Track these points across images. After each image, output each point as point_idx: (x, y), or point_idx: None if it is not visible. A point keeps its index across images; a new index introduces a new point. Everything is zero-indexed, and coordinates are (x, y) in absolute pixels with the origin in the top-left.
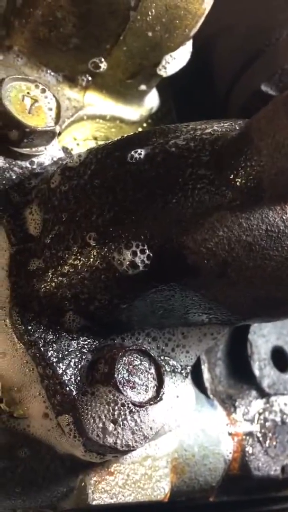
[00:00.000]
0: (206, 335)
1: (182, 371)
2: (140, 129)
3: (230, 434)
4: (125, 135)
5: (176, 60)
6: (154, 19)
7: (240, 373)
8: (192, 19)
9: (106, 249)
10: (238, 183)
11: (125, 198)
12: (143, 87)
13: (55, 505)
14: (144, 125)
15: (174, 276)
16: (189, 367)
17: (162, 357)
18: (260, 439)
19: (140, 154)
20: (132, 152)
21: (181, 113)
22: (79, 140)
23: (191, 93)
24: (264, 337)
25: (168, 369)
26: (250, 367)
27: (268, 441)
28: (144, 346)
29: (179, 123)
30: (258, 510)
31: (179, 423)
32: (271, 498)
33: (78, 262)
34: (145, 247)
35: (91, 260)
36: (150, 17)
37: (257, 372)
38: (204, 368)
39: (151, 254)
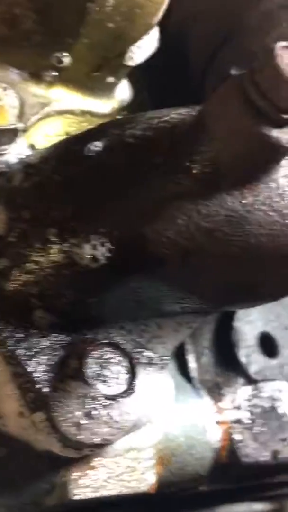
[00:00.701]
0: (181, 324)
1: (159, 362)
2: None
3: (217, 422)
4: (80, 131)
5: (141, 49)
6: (114, 10)
7: (227, 361)
8: (153, 7)
9: (67, 245)
10: (194, 170)
11: (84, 192)
12: (110, 79)
13: (38, 502)
14: (118, 116)
15: (137, 267)
16: (166, 358)
17: (137, 349)
18: (249, 425)
19: (97, 146)
20: (89, 145)
21: (157, 103)
22: (52, 136)
23: (166, 81)
24: (251, 324)
25: (144, 361)
26: (236, 355)
27: (256, 427)
28: (118, 339)
29: (139, 113)
30: (252, 497)
31: (157, 414)
32: (264, 484)
33: (41, 258)
34: (105, 240)
35: (53, 256)
36: (109, 7)
37: (243, 359)
38: (190, 357)
39: (111, 247)
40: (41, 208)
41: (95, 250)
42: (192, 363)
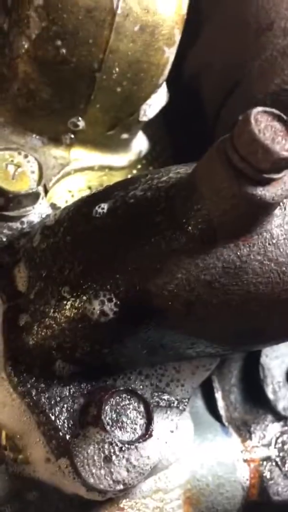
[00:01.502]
0: (198, 367)
1: (179, 405)
2: (132, 173)
3: (245, 460)
4: (91, 192)
5: (152, 106)
6: (120, 76)
7: (255, 398)
8: (157, 69)
9: (78, 301)
10: (190, 228)
11: (92, 252)
12: (125, 135)
13: None
14: (139, 166)
15: (143, 319)
16: (185, 400)
17: (156, 393)
18: (278, 463)
19: (103, 208)
20: (96, 207)
21: (179, 148)
22: (74, 191)
23: (185, 127)
24: (278, 359)
25: (163, 404)
26: (264, 391)
27: (287, 465)
28: (137, 384)
29: (144, 173)
30: None
31: (178, 456)
32: None
33: (57, 314)
34: (112, 296)
35: (67, 312)
36: (115, 74)
37: (271, 396)
38: (218, 396)
39: (118, 302)
40: (55, 267)
41: (103, 305)
42: (220, 401)
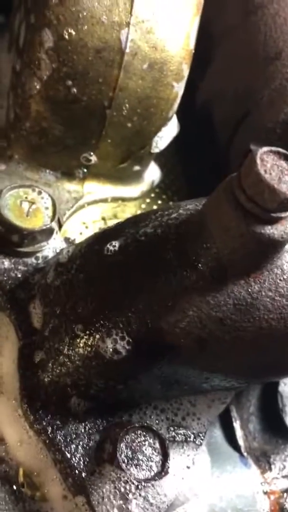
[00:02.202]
0: (214, 401)
1: (195, 439)
2: (146, 202)
3: (265, 492)
4: (103, 228)
5: (163, 138)
6: (130, 112)
7: (275, 427)
8: (167, 104)
9: (91, 339)
10: (200, 265)
11: (104, 289)
12: (137, 167)
13: None
14: (152, 195)
15: (156, 356)
16: (202, 434)
17: (172, 428)
18: None
19: (114, 246)
20: (108, 245)
21: (191, 175)
22: (88, 223)
23: (198, 153)
24: None
25: (180, 439)
26: (284, 420)
27: None
28: (152, 419)
29: (154, 209)
30: None
31: (195, 491)
32: None
33: (71, 352)
34: (124, 334)
35: (81, 349)
36: (126, 111)
37: None
38: (237, 425)
39: (130, 340)
40: (69, 305)
41: (116, 344)
42: (238, 431)
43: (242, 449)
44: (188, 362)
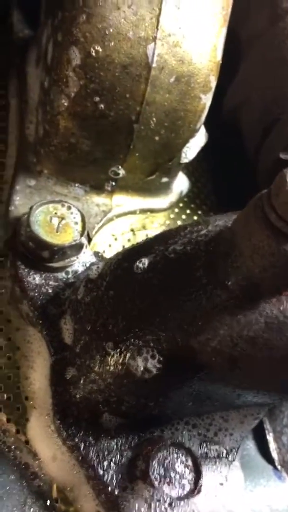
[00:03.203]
0: (246, 416)
1: (228, 455)
2: (175, 212)
3: None
4: (132, 245)
5: (192, 148)
6: (157, 125)
7: None
8: (194, 116)
9: (122, 357)
10: (230, 284)
11: (134, 307)
12: (165, 179)
13: None
14: (181, 205)
15: (187, 375)
16: (235, 450)
17: (205, 443)
18: None
19: (144, 263)
20: (137, 262)
21: (219, 183)
22: (117, 235)
23: (226, 159)
24: None
25: (212, 455)
26: None
27: None
28: (184, 434)
29: (183, 225)
30: None
31: (228, 508)
32: None
33: (102, 370)
34: (155, 352)
35: (112, 367)
36: (153, 124)
37: None
38: (270, 438)
39: (161, 358)
40: (99, 322)
41: (147, 362)
42: (272, 443)
43: (276, 462)
44: (219, 380)
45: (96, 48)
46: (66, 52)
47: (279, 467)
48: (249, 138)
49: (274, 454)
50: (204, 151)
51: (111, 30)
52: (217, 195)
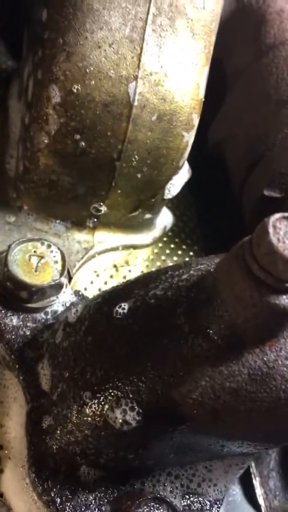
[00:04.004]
0: (231, 466)
1: (212, 508)
2: (159, 247)
3: None
4: (112, 288)
5: (175, 185)
6: (139, 163)
7: None
8: (177, 153)
9: (100, 408)
10: (212, 333)
11: (113, 355)
12: (148, 215)
13: None
14: (164, 239)
15: (168, 427)
16: (219, 502)
17: (188, 496)
18: None
19: (124, 308)
20: (117, 307)
21: (204, 217)
22: (99, 271)
23: (210, 193)
24: None
25: (195, 507)
26: None
27: None
28: (166, 485)
29: (164, 268)
30: None
31: None
32: None
33: (79, 420)
34: (134, 404)
35: (90, 418)
36: (135, 162)
37: None
38: (256, 482)
39: (140, 411)
40: (77, 370)
41: (125, 414)
42: (258, 489)
43: (263, 509)
44: (202, 432)
45: (77, 86)
46: (46, 90)
47: None
48: (234, 172)
49: (261, 500)
50: (188, 185)
51: (92, 69)
52: (202, 229)
